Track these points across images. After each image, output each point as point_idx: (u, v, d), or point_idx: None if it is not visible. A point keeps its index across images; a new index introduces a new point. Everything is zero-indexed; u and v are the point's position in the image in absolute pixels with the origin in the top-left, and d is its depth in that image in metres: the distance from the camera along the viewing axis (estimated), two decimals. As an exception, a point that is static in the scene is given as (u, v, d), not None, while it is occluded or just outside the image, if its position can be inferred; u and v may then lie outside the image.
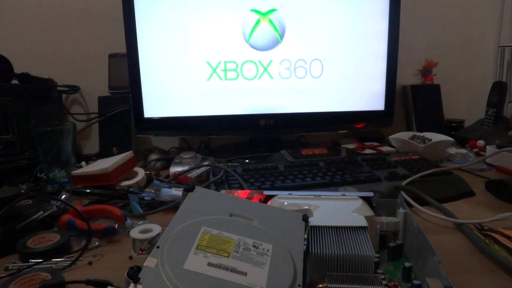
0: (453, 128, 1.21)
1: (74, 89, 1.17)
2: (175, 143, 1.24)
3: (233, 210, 0.48)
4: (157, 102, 1.03)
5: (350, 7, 1.02)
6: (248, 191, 0.62)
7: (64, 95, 1.19)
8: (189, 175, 0.87)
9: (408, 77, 1.24)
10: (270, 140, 1.14)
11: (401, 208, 0.55)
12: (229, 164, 1.00)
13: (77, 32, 1.17)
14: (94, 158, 1.12)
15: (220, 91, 1.03)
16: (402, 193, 0.71)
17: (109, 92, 1.15)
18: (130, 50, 0.99)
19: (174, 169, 0.92)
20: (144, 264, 0.36)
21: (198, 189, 0.50)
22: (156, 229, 0.60)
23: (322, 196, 0.57)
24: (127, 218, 0.66)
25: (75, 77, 1.19)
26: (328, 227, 0.49)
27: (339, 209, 0.53)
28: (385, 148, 1.07)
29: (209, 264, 0.37)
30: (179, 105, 1.03)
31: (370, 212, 0.53)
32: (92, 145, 1.20)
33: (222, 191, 0.62)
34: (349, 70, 1.05)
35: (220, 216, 0.46)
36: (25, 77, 1.06)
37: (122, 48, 1.02)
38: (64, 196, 0.72)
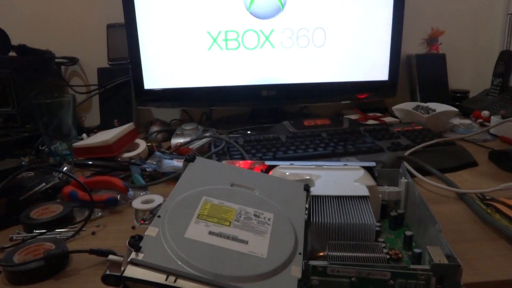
0: (458, 98, 1.20)
1: (72, 60, 1.16)
2: (176, 115, 1.23)
3: (234, 180, 0.47)
4: (157, 73, 1.01)
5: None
6: (250, 161, 0.61)
7: (63, 67, 1.17)
8: (190, 147, 0.87)
9: (413, 46, 1.21)
10: (272, 111, 1.12)
11: (403, 178, 0.55)
12: (230, 135, 1.00)
13: (74, 2, 1.14)
14: (95, 130, 1.11)
15: (221, 61, 1.01)
16: (405, 163, 0.70)
17: (109, 64, 1.13)
18: (128, 20, 0.97)
19: (176, 141, 0.91)
20: (145, 233, 0.36)
21: (199, 159, 0.50)
22: (158, 199, 0.60)
23: (324, 166, 0.56)
24: (129, 189, 0.67)
25: (74, 48, 1.17)
26: (330, 196, 0.48)
27: (341, 178, 0.53)
28: (388, 119, 1.05)
29: (210, 233, 0.37)
30: (180, 76, 1.02)
31: (372, 182, 0.53)
32: (93, 117, 1.19)
33: (224, 161, 0.62)
34: (352, 39, 1.03)
35: (221, 186, 0.46)
36: (22, 49, 1.05)
37: (120, 18, 0.99)
38: (66, 168, 0.72)
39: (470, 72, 1.30)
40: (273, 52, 1.01)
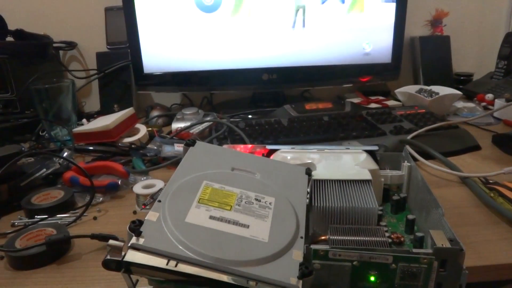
0: (462, 81, 1.18)
1: (71, 45, 1.14)
2: (177, 99, 1.22)
3: (235, 164, 0.47)
4: (157, 57, 1.00)
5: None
6: (251, 145, 0.61)
7: (61, 52, 1.16)
8: (191, 131, 0.86)
9: (416, 28, 1.19)
10: (273, 95, 1.11)
11: (405, 161, 0.54)
12: (231, 119, 0.99)
13: (71, -16, 1.12)
14: (95, 115, 1.10)
15: (221, 44, 1.00)
16: (407, 147, 0.70)
17: (107, 48, 1.12)
18: (126, 2, 0.95)
19: (176, 125, 0.91)
20: (145, 218, 0.36)
21: (199, 143, 0.49)
22: (158, 184, 0.60)
23: (326, 150, 0.56)
24: (130, 174, 0.66)
25: (72, 33, 1.15)
26: (331, 180, 0.48)
27: (343, 162, 0.53)
28: (391, 102, 1.04)
29: (211, 217, 0.37)
30: (180, 59, 1.00)
31: (374, 166, 0.52)
32: (93, 102, 1.18)
33: (225, 146, 0.62)
34: (355, 21, 1.01)
35: (222, 170, 0.45)
36: (19, 34, 1.03)
37: (118, 1, 0.97)
38: (66, 153, 0.72)
39: (475, 55, 1.28)
40: (274, 33, 1.00)
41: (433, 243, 0.36)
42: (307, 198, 0.45)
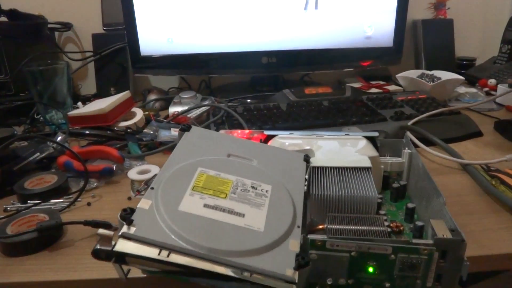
0: (464, 66, 1.16)
1: (66, 26, 1.11)
2: (175, 82, 1.20)
3: (231, 150, 0.46)
4: (154, 39, 0.98)
5: None
6: (249, 131, 0.59)
7: (56, 33, 1.13)
8: (188, 115, 0.85)
9: (419, 11, 1.16)
10: (272, 79, 1.09)
11: (406, 148, 0.53)
12: (230, 104, 0.97)
13: (65, -37, 1.09)
14: (91, 98, 1.09)
15: (220, 26, 0.97)
16: (408, 133, 0.69)
17: (103, 29, 1.09)
18: (122, -18, 0.93)
19: (173, 109, 0.89)
20: (137, 206, 0.35)
21: (195, 128, 0.48)
22: (154, 169, 0.59)
23: (325, 136, 0.54)
24: (125, 159, 0.65)
25: (67, 13, 1.12)
26: (330, 167, 0.47)
27: (342, 149, 0.51)
28: (392, 87, 1.02)
29: (205, 205, 0.36)
30: (178, 42, 0.98)
31: (374, 152, 0.51)
32: (89, 85, 1.16)
33: (222, 131, 0.60)
34: (356, 3, 0.98)
35: (217, 156, 0.44)
36: (13, 14, 1.00)
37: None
38: (60, 137, 0.70)
39: (478, 39, 1.26)
40: (274, 16, 0.97)
41: (433, 233, 0.35)
42: (305, 185, 0.44)
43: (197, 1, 0.95)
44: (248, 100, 1.00)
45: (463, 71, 1.13)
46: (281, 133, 0.56)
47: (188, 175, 0.39)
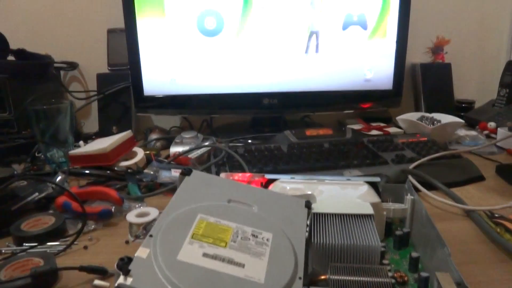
0: (463, 109, 1.17)
1: (72, 65, 1.14)
2: (176, 122, 1.21)
3: (232, 195, 0.45)
4: (158, 80, 0.99)
5: (359, -19, 0.97)
6: (250, 174, 0.59)
7: (62, 72, 1.16)
8: (189, 156, 0.85)
9: (417, 55, 1.19)
10: (273, 120, 1.10)
11: (409, 194, 0.53)
12: (231, 144, 0.98)
13: (75, 6, 1.13)
14: (93, 137, 1.09)
15: (222, 68, 0.99)
16: (410, 177, 0.68)
17: (108, 69, 1.12)
18: (129, 25, 0.95)
19: (175, 149, 0.90)
20: (135, 255, 0.34)
21: (196, 173, 0.48)
22: (153, 213, 0.58)
23: (326, 181, 0.54)
24: (125, 200, 0.64)
25: (74, 53, 1.15)
26: (332, 214, 0.46)
27: (344, 194, 0.51)
28: (392, 129, 1.03)
29: (205, 254, 0.35)
30: (180, 83, 1.00)
31: (376, 198, 0.51)
32: (91, 123, 1.17)
33: (222, 174, 0.60)
34: (356, 47, 1.01)
35: (218, 202, 0.43)
36: (21, 53, 1.03)
37: (121, 23, 0.97)
38: (60, 177, 0.70)
39: (476, 82, 1.28)
40: (275, 58, 1.00)
41: (439, 286, 0.34)
42: (307, 231, 0.43)
43: (200, 43, 0.97)
44: (249, 141, 1.00)
45: (462, 114, 1.15)
46: (282, 177, 0.56)
47: (187, 222, 0.39)
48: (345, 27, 0.99)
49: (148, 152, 0.90)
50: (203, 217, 0.40)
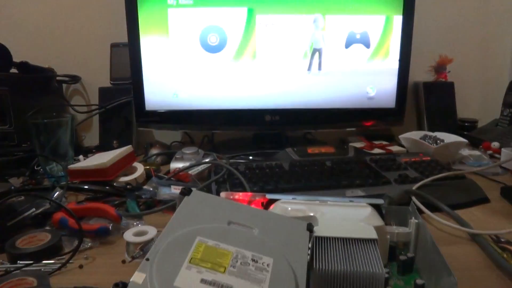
0: (466, 128, 1.16)
1: (74, 79, 1.14)
2: (178, 136, 1.21)
3: (232, 217, 0.44)
4: (159, 95, 0.99)
5: (363, -1, 0.97)
6: (250, 193, 0.58)
7: (64, 85, 1.16)
8: (190, 172, 0.84)
9: (420, 73, 1.19)
10: (275, 136, 1.10)
11: (413, 217, 0.51)
12: (232, 160, 0.97)
13: (78, 20, 1.13)
14: (94, 150, 1.09)
15: (224, 84, 0.99)
16: (414, 200, 0.67)
17: (111, 83, 1.12)
18: (132, 40, 0.96)
19: (175, 165, 0.89)
20: (130, 280, 0.33)
21: (195, 192, 0.47)
22: (151, 231, 0.57)
23: (329, 202, 0.53)
24: (123, 218, 0.63)
25: (76, 67, 1.15)
26: (335, 238, 0.45)
27: (347, 217, 0.50)
28: (395, 148, 1.02)
29: (203, 280, 0.34)
30: (182, 98, 1.00)
31: (379, 222, 0.49)
32: (92, 136, 1.17)
33: (222, 194, 0.59)
34: (359, 65, 1.01)
35: (217, 224, 0.42)
36: (24, 66, 1.03)
37: (125, 38, 0.98)
38: (57, 193, 0.69)
39: (479, 101, 1.28)
40: (278, 76, 0.99)
41: (446, 318, 0.33)
42: (308, 254, 0.42)
43: (202, 58, 0.97)
44: (250, 157, 0.99)
45: (465, 133, 1.14)
46: (284, 197, 0.55)
47: (186, 245, 0.38)
48: (348, 45, 0.99)
49: (148, 167, 0.89)
50: (202, 240, 0.39)
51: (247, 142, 1.13)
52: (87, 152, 1.09)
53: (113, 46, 1.12)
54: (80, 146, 1.14)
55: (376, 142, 1.06)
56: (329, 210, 0.52)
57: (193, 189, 0.47)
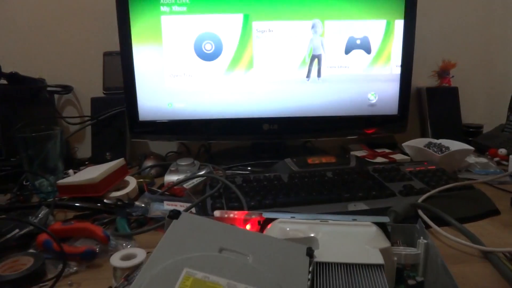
0: (471, 133, 1.13)
1: (66, 89, 1.11)
2: (173, 146, 1.17)
3: (224, 242, 0.40)
4: (153, 105, 0.96)
5: (365, 2, 0.94)
6: (246, 212, 0.54)
7: (56, 96, 1.13)
8: (184, 186, 0.80)
9: (423, 79, 1.15)
10: (273, 145, 1.06)
11: (422, 237, 0.48)
12: (229, 171, 0.93)
13: (70, 28, 1.10)
14: (87, 162, 1.05)
15: (220, 93, 0.96)
16: (421, 215, 0.63)
17: (104, 93, 1.08)
18: (124, 48, 0.92)
19: (169, 178, 0.85)
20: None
21: (185, 216, 0.43)
22: (140, 255, 0.53)
23: (330, 222, 0.49)
24: (111, 239, 0.59)
25: (68, 76, 1.12)
26: (337, 263, 0.41)
27: (350, 239, 0.46)
28: (398, 156, 0.98)
29: (189, 321, 0.30)
30: (177, 108, 0.96)
31: (386, 243, 0.46)
32: (85, 148, 1.14)
33: (216, 212, 0.55)
34: (359, 71, 0.97)
35: (208, 252, 0.38)
36: (13, 77, 1.00)
37: (117, 46, 0.94)
38: (43, 212, 0.65)
39: (484, 106, 1.24)
40: (276, 83, 0.96)
41: None
42: (309, 279, 0.38)
43: (198, 67, 0.94)
44: (249, 168, 0.96)
45: (470, 138, 1.10)
46: (282, 216, 0.51)
47: (171, 279, 0.34)
48: (348, 51, 0.96)
49: (142, 180, 0.85)
50: (189, 272, 0.35)
51: (245, 151, 1.10)
52: (80, 164, 1.05)
53: (106, 54, 1.09)
54: (73, 158, 1.10)
55: (379, 150, 1.02)
56: (331, 230, 0.48)
57: (182, 211, 0.43)
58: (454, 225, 0.62)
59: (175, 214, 0.42)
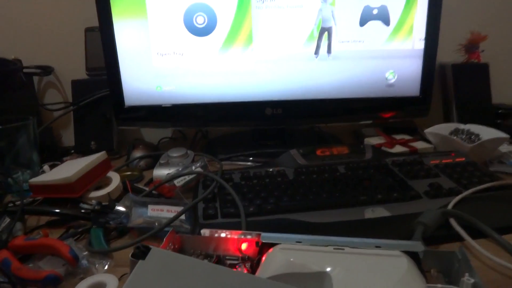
0: (502, 115, 1.00)
1: (46, 70, 0.99)
2: (167, 132, 1.06)
3: (205, 292, 0.30)
4: (141, 88, 0.84)
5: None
6: (240, 231, 0.44)
7: (36, 78, 1.01)
8: (175, 182, 0.70)
9: (448, 53, 1.01)
10: (277, 132, 0.94)
11: (467, 274, 0.37)
12: (227, 162, 0.83)
13: (47, 2, 0.97)
14: (72, 151, 0.96)
15: (217, 72, 0.84)
16: (453, 222, 0.52)
17: (87, 74, 0.97)
18: (104, 24, 0.80)
19: (159, 173, 0.75)
20: None
21: (155, 252, 0.33)
22: (110, 284, 0.43)
23: (347, 250, 0.38)
24: (80, 259, 0.50)
25: (48, 56, 1.00)
26: (358, 319, 0.31)
27: (374, 276, 0.35)
28: (420, 144, 0.87)
29: None
30: (168, 89, 0.85)
31: (420, 281, 0.35)
32: (71, 135, 1.02)
33: (205, 231, 0.45)
34: (375, 46, 0.84)
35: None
36: (-17, 60, 0.89)
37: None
38: (5, 223, 0.56)
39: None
40: (279, 62, 0.83)
41: None
42: None
43: (189, 43, 0.82)
44: (250, 158, 0.85)
45: (499, 121, 0.97)
46: (285, 239, 0.41)
47: None
48: (363, 23, 0.83)
49: (128, 173, 0.76)
50: None
51: (246, 137, 0.98)
52: (64, 154, 0.95)
53: (88, 30, 0.96)
54: (57, 147, 1.00)
55: (397, 137, 0.90)
56: (347, 260, 0.37)
57: (152, 247, 0.33)
58: (500, 243, 0.51)
59: (141, 253, 0.32)
